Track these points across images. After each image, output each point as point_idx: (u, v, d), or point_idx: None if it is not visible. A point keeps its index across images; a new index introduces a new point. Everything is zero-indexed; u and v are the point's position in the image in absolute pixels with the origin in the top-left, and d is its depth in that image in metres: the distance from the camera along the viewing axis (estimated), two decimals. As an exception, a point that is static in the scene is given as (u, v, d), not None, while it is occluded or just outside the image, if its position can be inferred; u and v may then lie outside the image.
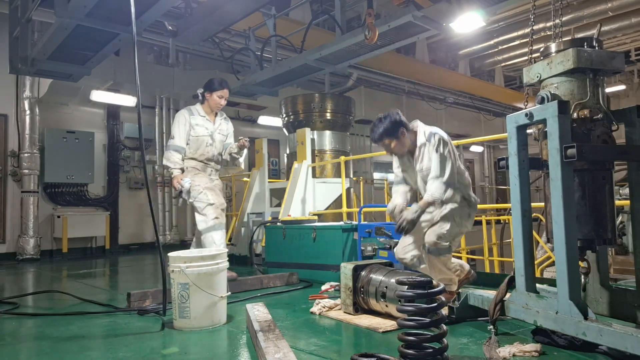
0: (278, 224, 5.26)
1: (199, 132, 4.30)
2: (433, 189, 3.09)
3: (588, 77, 2.26)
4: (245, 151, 4.48)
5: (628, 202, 2.46)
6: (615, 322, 2.08)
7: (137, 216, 9.75)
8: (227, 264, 3.03)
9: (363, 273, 3.05)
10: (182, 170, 4.18)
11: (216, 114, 4.45)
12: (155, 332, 2.87)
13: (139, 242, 9.70)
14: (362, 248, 4.29)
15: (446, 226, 3.13)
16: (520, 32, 10.92)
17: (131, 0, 3.04)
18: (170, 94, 9.74)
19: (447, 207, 3.18)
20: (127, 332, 2.86)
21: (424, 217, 3.22)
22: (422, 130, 3.25)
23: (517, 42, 11.51)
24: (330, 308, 3.18)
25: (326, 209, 7.27)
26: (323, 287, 3.84)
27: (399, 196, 3.40)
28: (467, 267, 3.44)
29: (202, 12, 6.61)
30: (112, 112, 9.49)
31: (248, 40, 7.70)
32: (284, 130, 9.34)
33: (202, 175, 4.26)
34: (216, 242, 4.02)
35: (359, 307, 3.05)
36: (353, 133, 12.34)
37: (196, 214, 4.13)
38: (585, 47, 2.29)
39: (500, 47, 12.08)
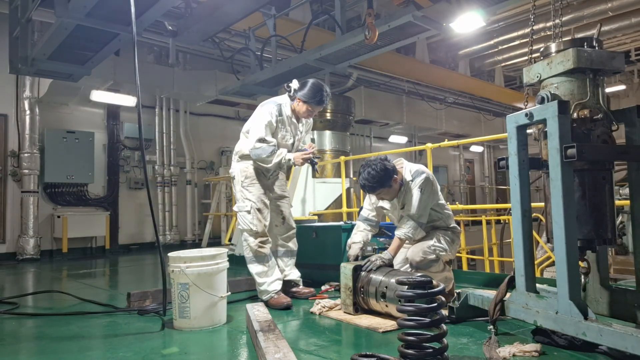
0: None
1: (283, 137, 3.57)
2: (407, 228, 3.17)
3: (588, 77, 2.26)
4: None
5: (628, 202, 2.46)
6: (615, 322, 2.08)
7: (137, 216, 9.75)
8: (227, 264, 3.03)
9: (363, 273, 3.05)
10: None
11: None
12: (155, 332, 2.87)
13: (139, 242, 9.71)
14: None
15: (430, 242, 3.23)
16: (520, 32, 10.91)
17: (131, 0, 3.05)
18: (170, 94, 9.74)
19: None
20: (127, 332, 2.86)
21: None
22: (408, 168, 3.31)
23: (517, 42, 11.51)
24: (330, 308, 3.18)
25: (326, 209, 7.28)
26: (323, 287, 3.84)
27: (359, 235, 3.45)
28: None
29: (202, 12, 6.61)
30: (112, 112, 9.50)
31: (248, 40, 7.71)
32: (284, 130, 9.33)
33: (259, 186, 3.54)
34: (253, 273, 3.48)
35: (359, 307, 3.05)
36: (353, 133, 12.35)
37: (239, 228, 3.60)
38: (585, 47, 2.29)
39: (500, 47, 12.07)
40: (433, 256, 3.19)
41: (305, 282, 3.93)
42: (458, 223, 3.74)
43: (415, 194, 3.19)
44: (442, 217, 3.37)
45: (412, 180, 3.24)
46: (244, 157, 3.59)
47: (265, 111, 3.48)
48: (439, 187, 3.40)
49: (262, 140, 3.39)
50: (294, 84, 3.54)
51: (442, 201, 3.42)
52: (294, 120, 3.62)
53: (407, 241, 3.24)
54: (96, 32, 4.90)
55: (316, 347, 2.44)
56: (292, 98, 3.56)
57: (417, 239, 3.28)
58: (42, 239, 8.23)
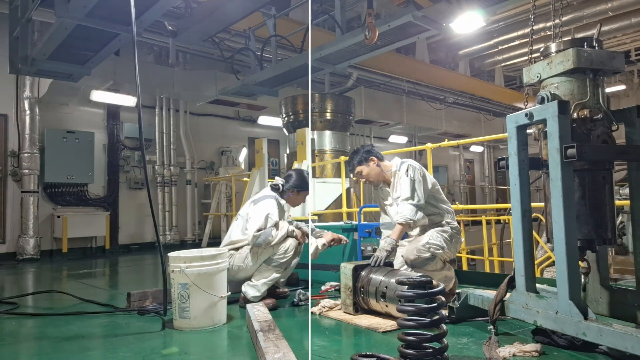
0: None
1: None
2: (404, 210, 3.19)
3: (588, 77, 2.26)
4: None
5: (628, 202, 2.46)
6: (615, 322, 2.08)
7: (137, 216, 9.75)
8: (227, 264, 3.03)
9: (363, 273, 3.05)
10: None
11: None
12: (155, 332, 2.87)
13: (139, 242, 9.71)
14: (362, 248, 4.28)
15: (424, 240, 3.22)
16: (520, 32, 10.92)
17: (131, 0, 3.05)
18: (170, 94, 9.74)
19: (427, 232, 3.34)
20: (127, 332, 2.86)
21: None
22: (396, 162, 3.46)
23: (517, 42, 11.51)
24: (330, 308, 3.18)
25: (326, 209, 7.28)
26: (323, 287, 3.84)
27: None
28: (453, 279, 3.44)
29: (202, 12, 6.62)
30: (112, 112, 9.50)
31: (248, 40, 7.71)
32: (284, 130, 9.35)
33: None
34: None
35: (359, 307, 3.05)
36: (353, 133, 12.35)
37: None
38: (585, 47, 2.29)
39: (500, 47, 12.08)
40: (428, 254, 3.17)
41: (304, 282, 3.93)
42: (458, 223, 3.73)
43: (403, 179, 3.28)
44: (438, 212, 3.38)
45: (398, 171, 3.37)
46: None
47: (271, 206, 3.55)
48: (431, 179, 3.42)
49: (259, 227, 3.39)
50: (279, 181, 3.79)
51: (441, 195, 3.44)
52: (285, 208, 3.80)
53: (409, 225, 3.22)
54: (96, 32, 4.90)
55: (316, 347, 2.44)
56: (283, 192, 3.76)
57: (419, 224, 3.27)
58: (42, 239, 8.23)
